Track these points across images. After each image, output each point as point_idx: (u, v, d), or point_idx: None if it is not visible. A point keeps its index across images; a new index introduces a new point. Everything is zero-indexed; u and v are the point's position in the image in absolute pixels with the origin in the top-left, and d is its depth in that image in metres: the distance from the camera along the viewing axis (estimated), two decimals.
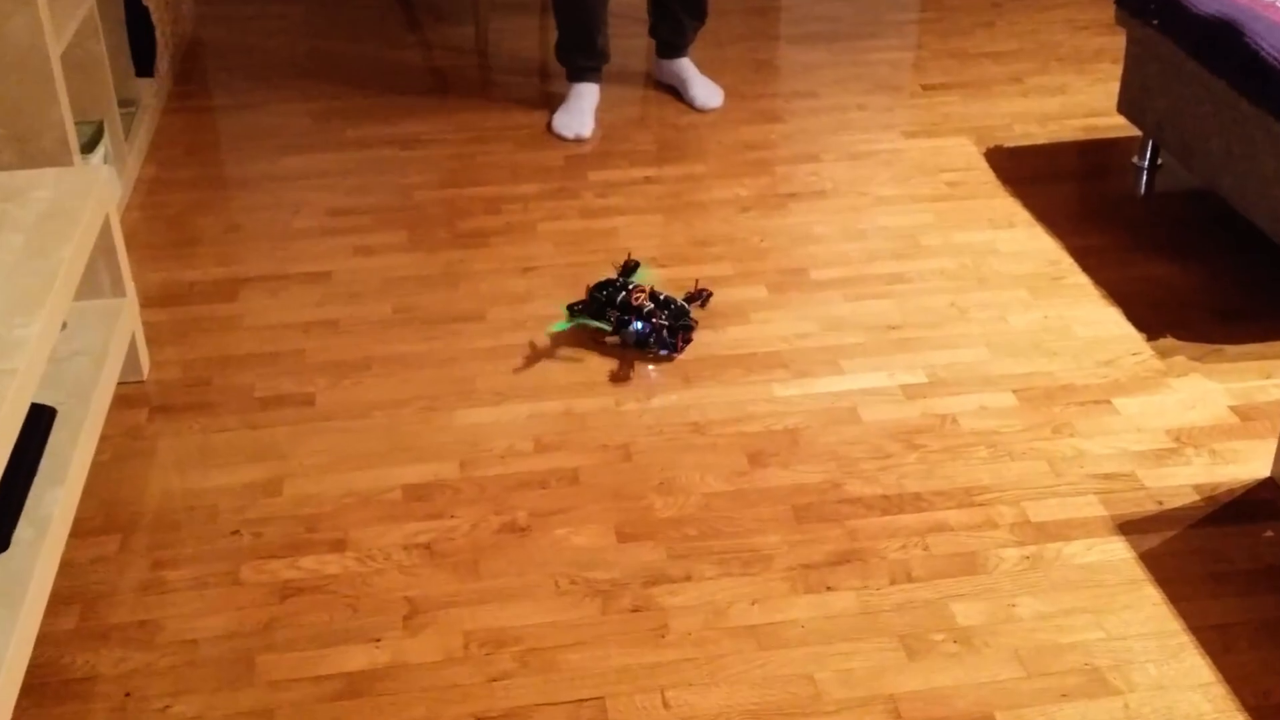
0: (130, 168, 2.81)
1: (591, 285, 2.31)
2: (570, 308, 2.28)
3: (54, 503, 1.71)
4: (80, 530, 1.87)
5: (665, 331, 2.21)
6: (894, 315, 2.35)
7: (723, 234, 2.62)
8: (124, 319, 2.11)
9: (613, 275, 2.39)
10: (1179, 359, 2.21)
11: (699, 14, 3.15)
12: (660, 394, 2.15)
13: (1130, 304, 2.37)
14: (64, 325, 2.06)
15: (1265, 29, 2.31)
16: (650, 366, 2.20)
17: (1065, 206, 2.71)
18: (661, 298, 2.27)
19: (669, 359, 2.21)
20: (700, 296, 2.35)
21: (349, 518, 1.89)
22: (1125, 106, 2.79)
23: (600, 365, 2.22)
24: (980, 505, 1.89)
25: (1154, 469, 1.96)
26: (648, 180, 2.84)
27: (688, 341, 2.24)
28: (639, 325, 2.22)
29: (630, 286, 2.27)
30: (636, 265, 2.36)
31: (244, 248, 2.60)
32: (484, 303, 2.40)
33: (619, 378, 2.17)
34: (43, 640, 1.68)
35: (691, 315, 2.28)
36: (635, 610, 1.72)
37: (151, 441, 2.05)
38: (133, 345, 2.16)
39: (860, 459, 1.99)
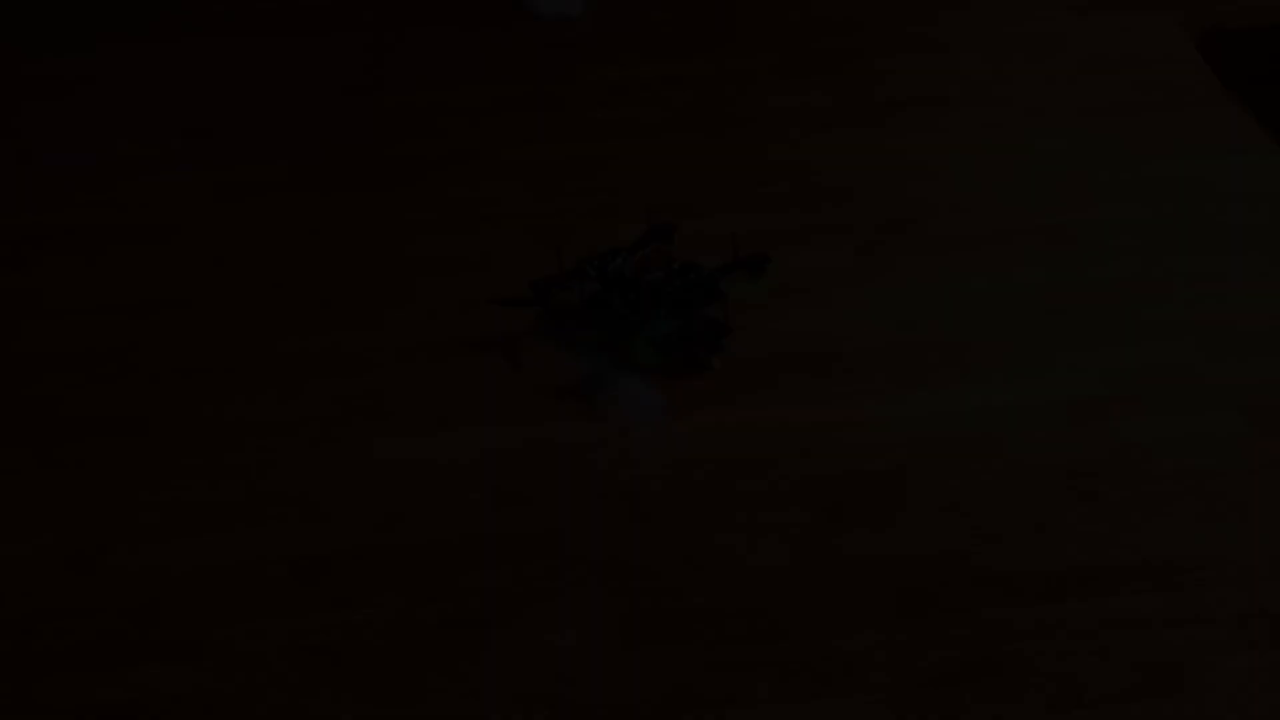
0: None
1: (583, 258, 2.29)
2: (537, 284, 2.25)
3: None
4: None
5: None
6: (1053, 292, 2.37)
7: (786, 165, 2.64)
8: None
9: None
10: None
11: None
12: (687, 414, 2.17)
13: None
14: None
15: None
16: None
17: None
18: (676, 267, 2.26)
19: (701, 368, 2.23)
20: (746, 263, 2.34)
21: (203, 606, 1.90)
22: None
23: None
24: (1189, 586, 1.91)
25: None
26: (668, 81, 2.85)
27: (717, 345, 2.24)
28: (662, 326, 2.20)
29: (639, 255, 2.26)
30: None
31: (40, 187, 2.62)
32: (412, 272, 2.42)
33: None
34: None
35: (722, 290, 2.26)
36: None
37: None
38: None
39: (1001, 514, 2.01)
